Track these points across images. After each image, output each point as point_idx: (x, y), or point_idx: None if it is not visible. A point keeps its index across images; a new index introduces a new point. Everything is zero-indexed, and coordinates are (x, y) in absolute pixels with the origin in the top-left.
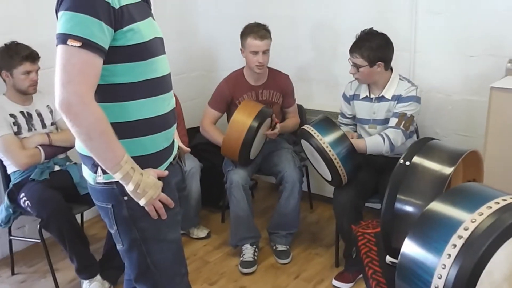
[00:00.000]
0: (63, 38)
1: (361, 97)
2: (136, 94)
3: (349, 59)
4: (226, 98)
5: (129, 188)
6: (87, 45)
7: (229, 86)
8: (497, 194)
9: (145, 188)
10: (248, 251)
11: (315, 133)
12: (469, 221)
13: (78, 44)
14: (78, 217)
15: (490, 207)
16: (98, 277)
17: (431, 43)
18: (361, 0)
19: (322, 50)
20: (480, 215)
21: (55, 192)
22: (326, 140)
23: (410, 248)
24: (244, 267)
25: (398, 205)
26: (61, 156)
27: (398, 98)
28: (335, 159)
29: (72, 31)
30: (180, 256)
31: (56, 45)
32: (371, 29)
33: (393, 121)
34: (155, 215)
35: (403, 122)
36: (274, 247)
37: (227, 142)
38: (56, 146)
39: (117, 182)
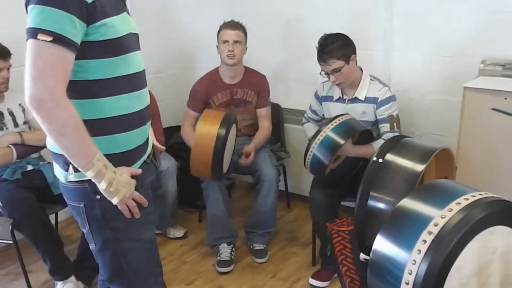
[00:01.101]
0: (33, 33)
1: (334, 99)
2: (109, 91)
3: (321, 72)
4: (201, 98)
5: (101, 186)
6: (58, 39)
7: (203, 86)
8: (466, 190)
9: (118, 187)
10: (225, 251)
11: (332, 125)
12: (439, 217)
13: (49, 38)
14: (52, 217)
15: (460, 203)
16: (72, 278)
17: (407, 44)
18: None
19: (299, 49)
20: (450, 211)
21: (28, 192)
22: (328, 134)
23: (381, 244)
24: (221, 267)
25: (371, 202)
26: (34, 155)
27: (375, 102)
28: (311, 151)
29: (43, 25)
30: (154, 256)
31: (26, 40)
32: (325, 34)
33: (385, 126)
34: (129, 214)
35: (395, 124)
36: (251, 246)
37: (195, 156)
38: (29, 145)
39: (89, 180)
